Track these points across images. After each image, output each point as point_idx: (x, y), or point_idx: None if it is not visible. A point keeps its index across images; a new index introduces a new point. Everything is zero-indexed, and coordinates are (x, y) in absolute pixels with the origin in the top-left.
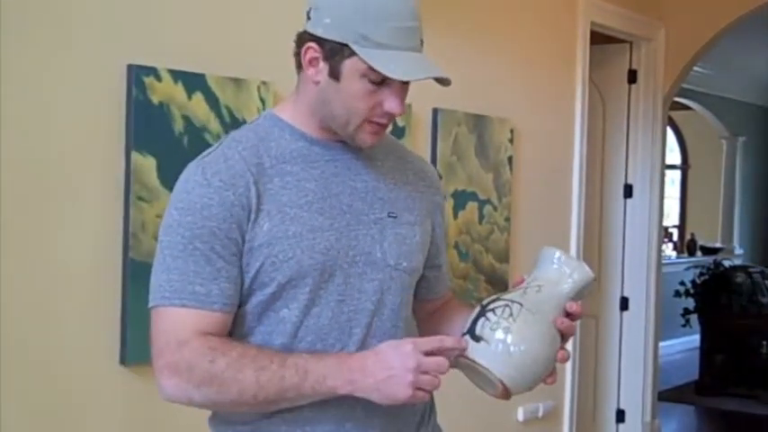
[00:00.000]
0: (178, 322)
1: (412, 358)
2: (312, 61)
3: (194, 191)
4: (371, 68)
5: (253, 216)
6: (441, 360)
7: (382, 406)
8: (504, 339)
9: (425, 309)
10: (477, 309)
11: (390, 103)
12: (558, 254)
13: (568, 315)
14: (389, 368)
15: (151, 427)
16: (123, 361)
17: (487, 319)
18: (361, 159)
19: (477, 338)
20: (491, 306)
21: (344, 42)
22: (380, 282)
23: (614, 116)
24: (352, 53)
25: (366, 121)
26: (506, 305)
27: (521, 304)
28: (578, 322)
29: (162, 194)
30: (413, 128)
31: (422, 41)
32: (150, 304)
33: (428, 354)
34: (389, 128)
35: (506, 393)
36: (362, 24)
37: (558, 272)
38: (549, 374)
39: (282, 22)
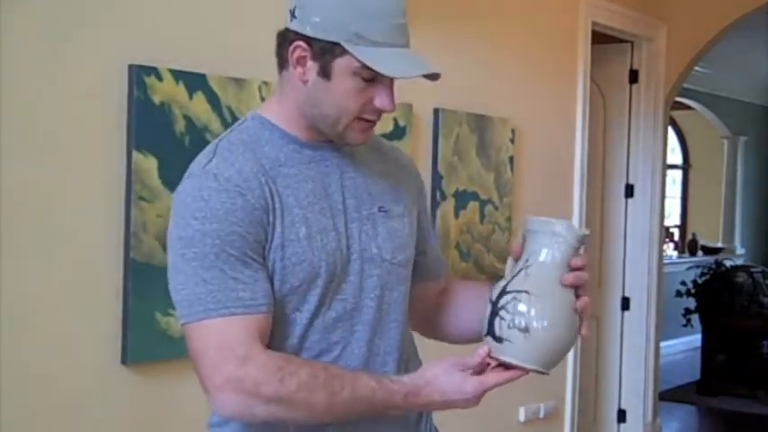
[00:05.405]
0: (230, 334)
1: (475, 392)
2: (300, 60)
3: (213, 198)
4: (365, 66)
5: (270, 218)
6: (499, 377)
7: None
8: (526, 331)
9: (429, 292)
10: (489, 307)
11: (381, 100)
12: (544, 222)
13: (575, 271)
14: (452, 402)
15: (152, 427)
16: (124, 360)
17: (502, 318)
18: (346, 157)
19: (498, 339)
20: (501, 303)
21: (336, 41)
22: (379, 277)
23: (615, 116)
24: (344, 52)
25: (356, 118)
26: (514, 298)
27: (527, 292)
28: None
29: (163, 194)
30: (414, 128)
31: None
32: (188, 319)
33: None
34: (389, 128)
35: (543, 373)
36: (355, 22)
37: (550, 240)
38: (578, 330)
39: (284, 22)
